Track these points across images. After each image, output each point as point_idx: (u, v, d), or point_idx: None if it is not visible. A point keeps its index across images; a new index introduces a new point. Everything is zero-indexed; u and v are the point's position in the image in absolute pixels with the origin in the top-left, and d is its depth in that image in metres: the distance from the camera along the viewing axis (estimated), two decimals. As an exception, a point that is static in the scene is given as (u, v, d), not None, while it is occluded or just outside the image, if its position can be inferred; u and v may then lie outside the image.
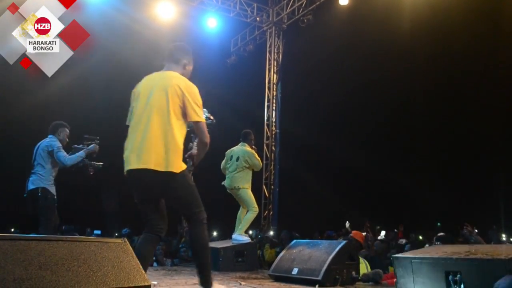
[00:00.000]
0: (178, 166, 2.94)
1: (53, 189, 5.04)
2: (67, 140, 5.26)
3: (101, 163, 5.29)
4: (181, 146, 3.01)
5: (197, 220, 3.03)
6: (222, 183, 6.37)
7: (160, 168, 2.87)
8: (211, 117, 3.91)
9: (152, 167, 2.87)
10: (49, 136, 5.17)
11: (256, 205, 6.16)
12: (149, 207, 3.04)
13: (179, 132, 2.98)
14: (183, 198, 3.02)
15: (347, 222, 8.14)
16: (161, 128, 2.92)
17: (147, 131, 2.92)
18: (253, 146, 6.29)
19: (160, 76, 3.15)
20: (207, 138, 3.09)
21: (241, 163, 6.08)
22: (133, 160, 2.93)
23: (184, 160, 3.12)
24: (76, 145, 5.23)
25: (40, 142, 5.14)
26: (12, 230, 11.64)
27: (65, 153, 5.07)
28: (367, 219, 7.78)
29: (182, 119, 3.01)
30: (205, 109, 3.44)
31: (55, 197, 5.06)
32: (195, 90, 3.07)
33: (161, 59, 3.24)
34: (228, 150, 6.36)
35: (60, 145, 5.08)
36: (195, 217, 3.03)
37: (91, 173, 5.23)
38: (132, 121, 3.07)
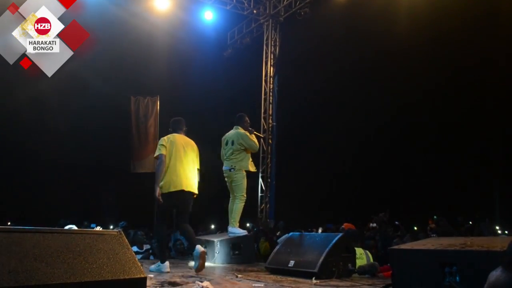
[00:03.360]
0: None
1: None
2: None
3: None
4: None
5: (187, 220, 4.87)
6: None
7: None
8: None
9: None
10: None
11: (245, 193, 6.11)
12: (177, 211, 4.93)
13: None
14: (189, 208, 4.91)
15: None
16: None
17: None
18: (250, 128, 6.28)
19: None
20: None
21: (236, 146, 6.08)
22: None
23: None
24: None
25: None
26: (9, 223, 11.63)
27: None
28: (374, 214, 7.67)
29: None
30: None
31: None
32: None
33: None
34: (223, 137, 6.36)
35: None
36: (187, 219, 4.86)
37: None
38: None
